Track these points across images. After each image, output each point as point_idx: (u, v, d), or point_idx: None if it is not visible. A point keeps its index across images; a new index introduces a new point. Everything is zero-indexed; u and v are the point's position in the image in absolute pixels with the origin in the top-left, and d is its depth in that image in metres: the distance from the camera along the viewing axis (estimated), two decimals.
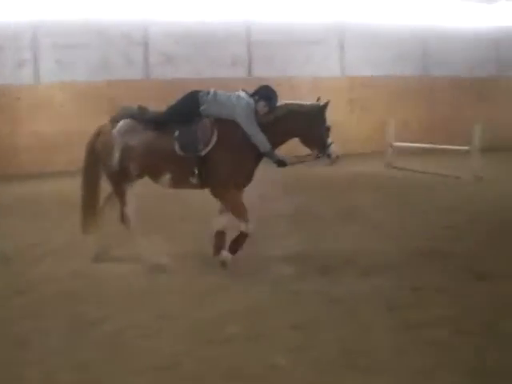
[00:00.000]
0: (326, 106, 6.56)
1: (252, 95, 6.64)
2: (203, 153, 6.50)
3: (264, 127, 6.51)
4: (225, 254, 6.59)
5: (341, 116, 19.71)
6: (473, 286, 5.82)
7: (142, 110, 6.91)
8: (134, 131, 6.72)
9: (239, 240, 6.59)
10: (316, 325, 4.91)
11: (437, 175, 13.27)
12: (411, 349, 4.40)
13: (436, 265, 6.49)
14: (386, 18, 21.07)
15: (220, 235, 6.74)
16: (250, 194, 6.97)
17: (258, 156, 6.62)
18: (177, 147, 6.55)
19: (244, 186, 6.76)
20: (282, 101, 6.72)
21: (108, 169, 6.79)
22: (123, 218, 6.83)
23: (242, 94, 6.66)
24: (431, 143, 15.53)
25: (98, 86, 16.81)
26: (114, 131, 6.76)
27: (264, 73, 18.65)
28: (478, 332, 4.67)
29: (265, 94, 6.64)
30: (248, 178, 6.71)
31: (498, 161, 14.37)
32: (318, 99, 6.69)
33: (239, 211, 6.55)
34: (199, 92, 6.71)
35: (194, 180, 6.55)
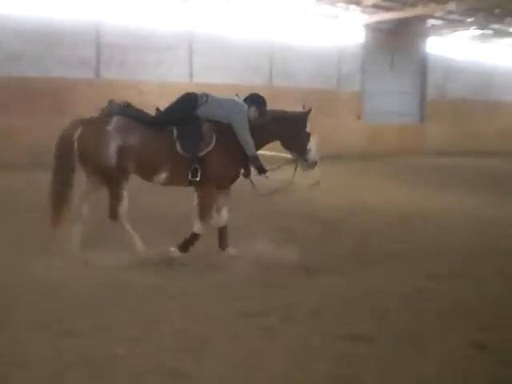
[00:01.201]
0: (307, 113, 7.17)
1: (244, 100, 7.05)
2: (203, 153, 6.82)
3: (252, 130, 6.96)
4: (175, 251, 6.97)
5: None
6: (301, 280, 6.42)
7: (133, 108, 6.98)
8: (130, 129, 6.75)
9: (192, 240, 7.00)
10: (155, 317, 5.22)
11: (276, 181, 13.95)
12: (245, 335, 4.87)
13: (269, 262, 6.97)
14: (235, 28, 21.77)
15: (224, 230, 7.22)
16: None
17: (246, 158, 7.07)
18: (178, 147, 6.79)
19: (230, 184, 7.23)
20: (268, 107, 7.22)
21: (100, 165, 6.69)
22: (114, 215, 6.81)
23: (237, 98, 7.12)
24: (274, 151, 16.26)
25: None
26: (110, 128, 6.69)
27: (113, 75, 18.64)
28: (303, 319, 5.23)
29: (256, 100, 7.12)
30: (236, 177, 7.19)
31: (334, 168, 15.31)
32: (303, 107, 7.26)
33: (206, 211, 7.02)
34: (196, 95, 6.98)
35: (194, 178, 6.82)
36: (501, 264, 7.27)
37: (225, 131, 6.94)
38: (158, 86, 19.52)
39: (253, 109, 7.04)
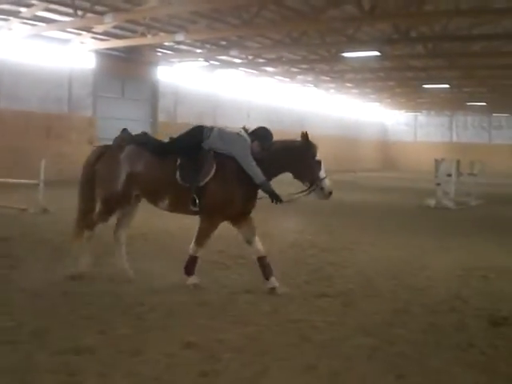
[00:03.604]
0: (310, 140, 7.20)
1: (249, 134, 7.31)
2: (201, 184, 7.05)
3: (258, 163, 7.10)
4: (193, 278, 7.28)
5: None
6: (26, 302, 6.51)
7: (147, 137, 7.53)
8: (139, 158, 7.27)
9: (191, 262, 7.27)
10: None
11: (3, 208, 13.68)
12: None
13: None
14: None
15: (264, 259, 7.35)
16: None
17: (255, 187, 7.20)
18: (178, 176, 7.10)
19: (244, 212, 7.36)
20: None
21: (110, 190, 7.29)
22: (92, 226, 7.45)
23: (242, 132, 7.31)
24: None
25: None
26: (122, 156, 7.28)
27: None
28: (28, 339, 5.38)
29: (260, 134, 7.34)
30: (246, 206, 7.31)
31: (63, 193, 15.01)
32: (302, 133, 7.23)
33: (204, 238, 7.28)
34: (204, 127, 7.35)
35: (194, 208, 7.11)
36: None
37: (227, 162, 7.18)
38: None
39: (255, 143, 7.26)
